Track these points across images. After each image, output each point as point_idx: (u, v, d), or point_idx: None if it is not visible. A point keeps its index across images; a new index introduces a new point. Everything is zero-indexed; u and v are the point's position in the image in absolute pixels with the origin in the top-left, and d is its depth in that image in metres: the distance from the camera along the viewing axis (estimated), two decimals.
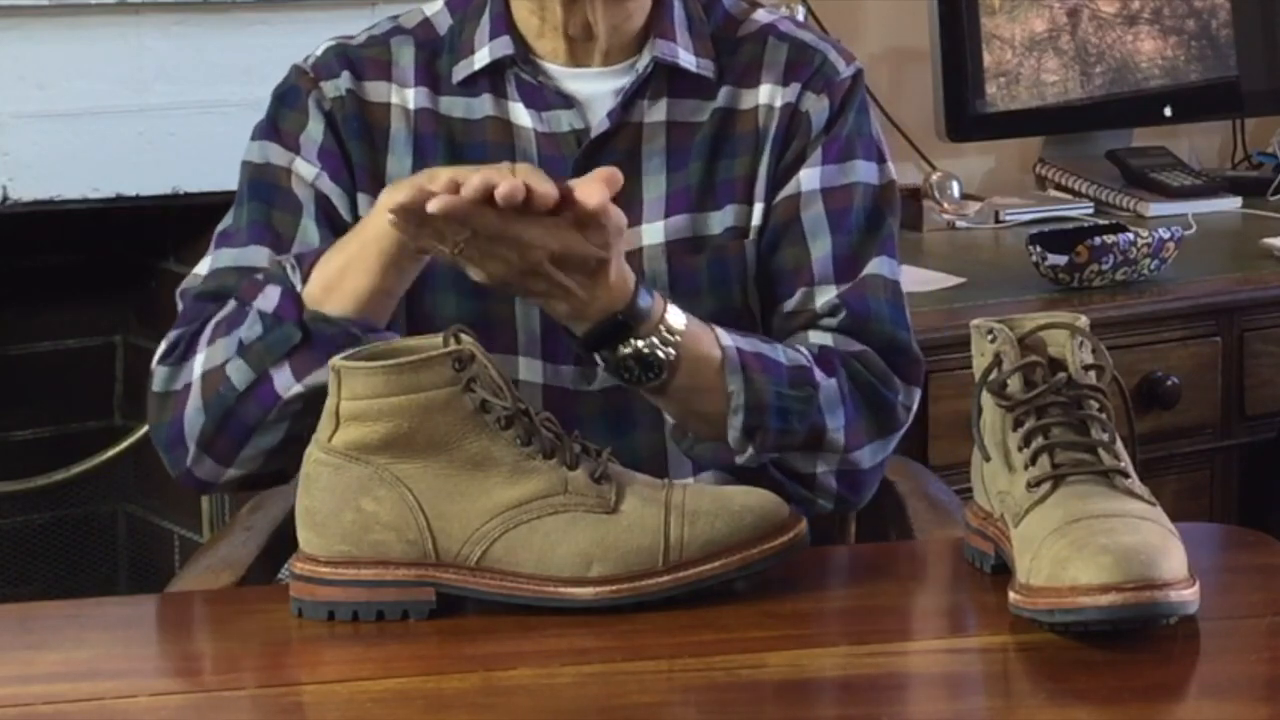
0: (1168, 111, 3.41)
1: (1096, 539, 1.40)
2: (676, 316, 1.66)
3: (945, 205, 3.19)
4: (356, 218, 1.80)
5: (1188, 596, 1.40)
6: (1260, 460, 2.78)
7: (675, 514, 1.49)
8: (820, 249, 1.80)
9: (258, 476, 1.75)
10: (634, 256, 1.74)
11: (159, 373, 1.74)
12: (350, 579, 1.48)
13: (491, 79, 1.82)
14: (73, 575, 3.17)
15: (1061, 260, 2.70)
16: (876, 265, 1.81)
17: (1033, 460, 1.48)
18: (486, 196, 1.52)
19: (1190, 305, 2.73)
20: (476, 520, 1.47)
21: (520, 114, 1.82)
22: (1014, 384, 1.51)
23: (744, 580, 1.50)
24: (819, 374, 1.73)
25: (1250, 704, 1.36)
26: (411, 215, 1.54)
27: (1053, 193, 3.36)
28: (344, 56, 1.84)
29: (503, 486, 1.48)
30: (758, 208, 1.82)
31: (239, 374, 1.69)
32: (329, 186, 1.80)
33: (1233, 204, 3.33)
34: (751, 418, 1.70)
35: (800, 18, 3.06)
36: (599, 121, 1.81)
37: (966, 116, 3.24)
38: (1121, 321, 2.66)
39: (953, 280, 2.76)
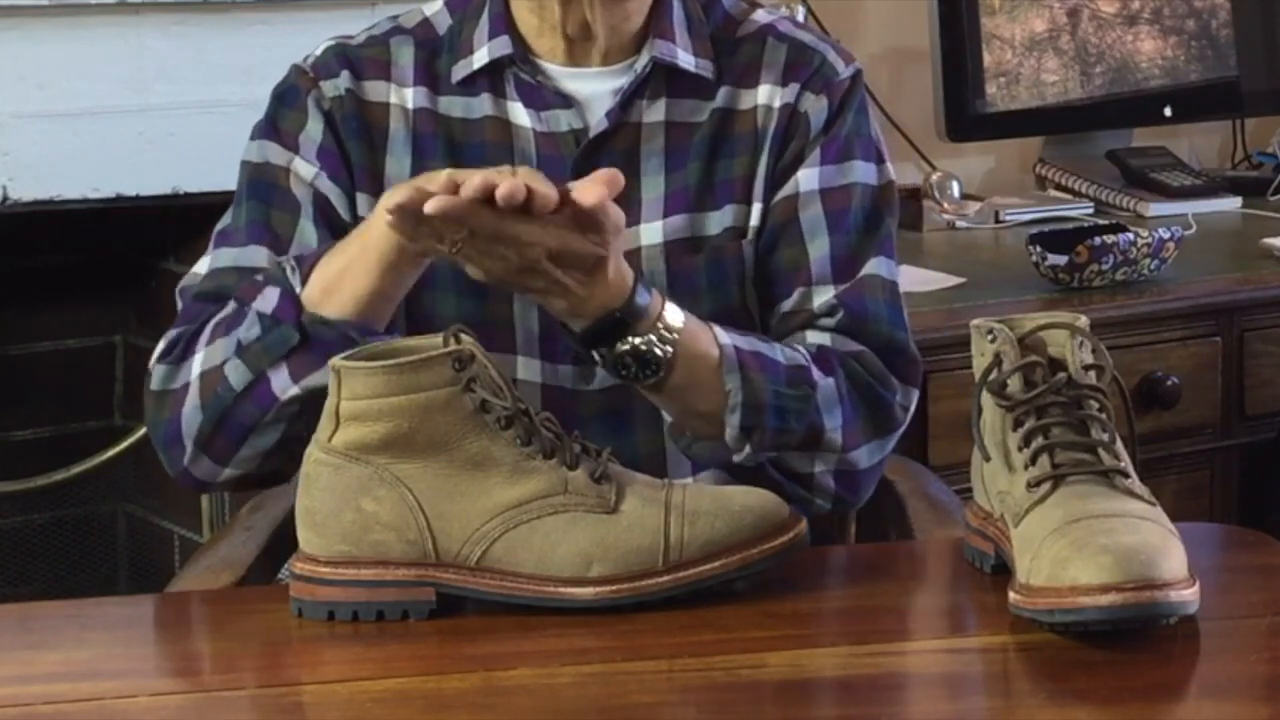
0: (1168, 111, 3.41)
1: (1096, 539, 1.40)
2: (674, 314, 1.67)
3: (945, 205, 3.19)
4: (355, 217, 1.80)
5: (1188, 596, 1.40)
6: (1260, 460, 2.78)
7: (675, 514, 1.49)
8: (818, 249, 1.80)
9: (255, 476, 1.75)
10: (632, 256, 1.74)
11: (157, 371, 1.74)
12: (350, 579, 1.48)
13: (490, 79, 1.82)
14: (73, 575, 3.17)
15: (1061, 260, 2.70)
16: (874, 265, 1.81)
17: (1033, 460, 1.48)
18: (486, 197, 1.52)
19: (1190, 305, 2.72)
20: (476, 520, 1.47)
21: (519, 114, 1.82)
22: (1014, 384, 1.51)
23: (744, 580, 1.50)
24: (817, 373, 1.73)
25: (1250, 704, 1.36)
26: (409, 216, 1.54)
27: (1053, 193, 3.36)
28: (343, 56, 1.84)
29: (503, 486, 1.48)
30: (756, 208, 1.82)
31: (237, 374, 1.69)
32: (328, 186, 1.80)
33: (1233, 204, 3.33)
34: (749, 416, 1.70)
35: (800, 18, 3.06)
36: (597, 121, 1.81)
37: (966, 116, 3.24)
38: (1121, 321, 2.66)
39: (953, 280, 2.76)
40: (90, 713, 1.35)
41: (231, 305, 1.72)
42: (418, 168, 1.80)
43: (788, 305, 1.80)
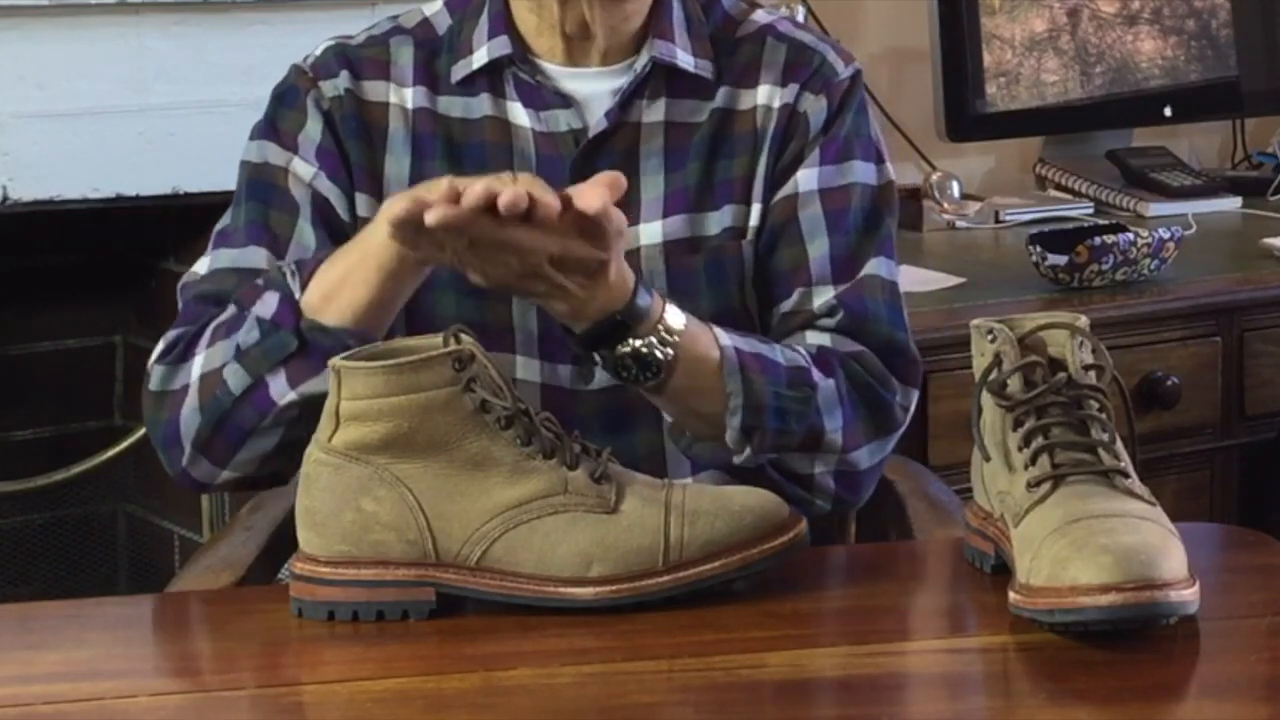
0: (1168, 111, 3.41)
1: (1096, 539, 1.40)
2: (675, 316, 1.66)
3: (945, 205, 3.19)
4: (354, 217, 1.80)
5: (1188, 596, 1.40)
6: (1260, 460, 2.78)
7: (675, 514, 1.49)
8: (818, 249, 1.80)
9: (255, 478, 1.75)
10: (631, 257, 1.74)
11: (156, 372, 1.74)
12: (350, 579, 1.48)
13: (490, 78, 1.82)
14: (73, 575, 3.17)
15: (1061, 260, 2.70)
16: (874, 266, 1.81)
17: (1033, 460, 1.48)
18: (487, 206, 1.52)
19: (1190, 305, 2.72)
20: (476, 520, 1.47)
21: (518, 113, 1.82)
22: (1014, 384, 1.51)
23: (744, 580, 1.50)
24: (817, 375, 1.73)
25: (1250, 704, 1.36)
26: (411, 226, 1.54)
27: (1053, 193, 3.36)
28: (343, 56, 1.84)
29: (503, 486, 1.48)
30: (755, 208, 1.82)
31: (235, 378, 1.69)
32: (326, 186, 1.80)
33: (1233, 204, 3.33)
34: (749, 418, 1.70)
35: (800, 18, 3.06)
36: (597, 121, 1.81)
37: (966, 116, 3.24)
38: (1121, 321, 2.66)
39: (953, 280, 2.76)
40: (90, 713, 1.35)
41: (232, 308, 1.72)
42: (417, 167, 1.80)
43: (787, 305, 1.80)
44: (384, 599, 1.48)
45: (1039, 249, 2.72)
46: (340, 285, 1.65)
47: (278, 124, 1.83)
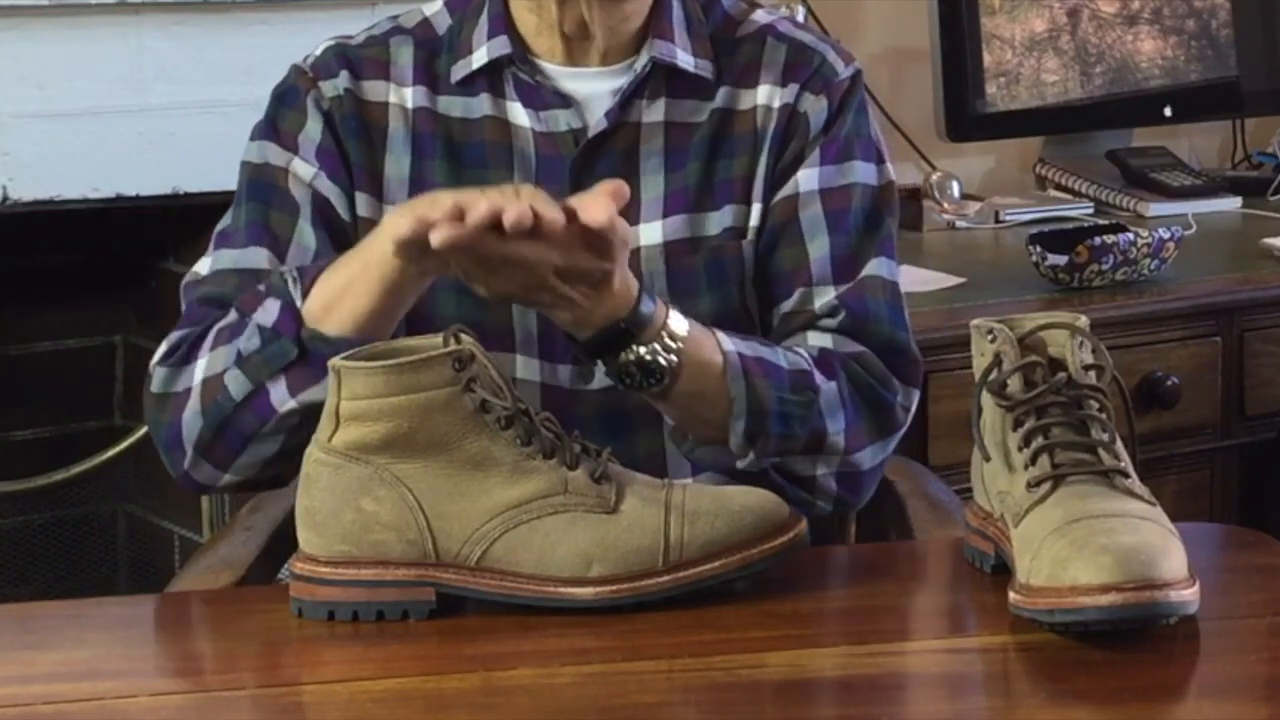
0: (1168, 111, 3.41)
1: (1096, 539, 1.40)
2: (679, 322, 1.66)
3: (945, 205, 3.19)
4: (355, 217, 1.80)
5: (1188, 596, 1.40)
6: (1260, 460, 2.78)
7: (675, 514, 1.49)
8: (818, 249, 1.80)
9: (256, 481, 1.75)
10: (631, 257, 1.73)
11: (158, 374, 1.74)
12: (350, 579, 1.48)
13: (490, 78, 1.82)
14: (73, 575, 3.17)
15: (1061, 260, 2.70)
16: (875, 266, 1.81)
17: (1033, 460, 1.48)
18: (492, 224, 1.52)
19: (1190, 305, 2.73)
20: (476, 520, 1.47)
21: (518, 113, 1.82)
22: (1014, 384, 1.51)
23: (744, 580, 1.50)
24: (819, 378, 1.73)
25: (1250, 704, 1.36)
26: (415, 245, 1.54)
27: (1053, 193, 3.36)
28: (343, 56, 1.84)
29: (503, 486, 1.48)
30: (755, 208, 1.82)
31: (236, 384, 1.69)
32: (327, 186, 1.80)
33: (1233, 204, 3.33)
34: (753, 423, 1.70)
35: (800, 18, 3.06)
36: (596, 121, 1.81)
37: (966, 116, 3.24)
38: (1121, 321, 2.66)
39: (953, 280, 2.76)
40: (90, 713, 1.35)
41: (234, 314, 1.71)
42: (417, 167, 1.80)
43: (788, 306, 1.80)
44: (384, 599, 1.48)
45: (1039, 249, 2.72)
46: (342, 295, 1.65)
47: (278, 124, 1.83)
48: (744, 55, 1.84)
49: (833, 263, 1.80)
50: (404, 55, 1.84)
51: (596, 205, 1.55)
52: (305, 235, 1.78)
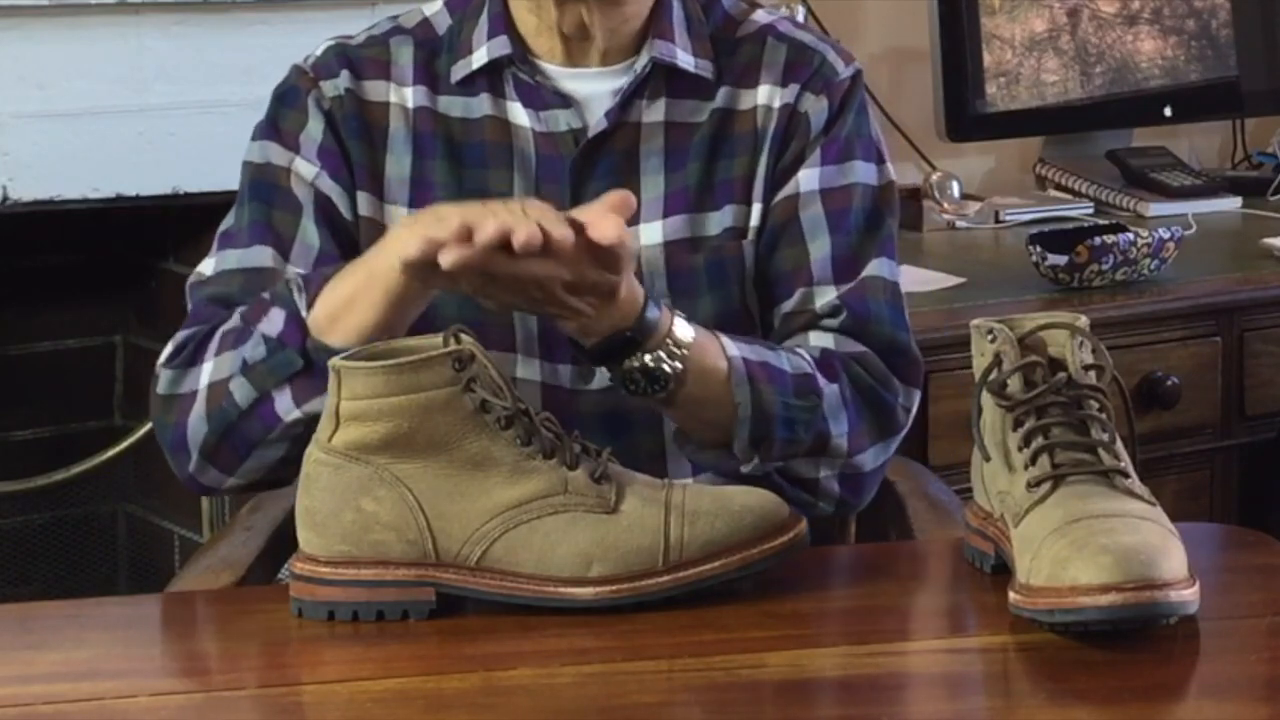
0: (1168, 111, 3.41)
1: (1096, 539, 1.40)
2: (684, 329, 1.66)
3: (945, 205, 3.19)
4: (357, 216, 1.80)
5: (1188, 596, 1.40)
6: (1260, 460, 2.78)
7: (675, 514, 1.49)
8: (819, 250, 1.80)
9: (261, 483, 1.75)
10: None
11: (164, 375, 1.74)
12: (350, 579, 1.48)
13: (489, 78, 1.82)
14: (73, 575, 3.16)
15: (1061, 260, 2.70)
16: (876, 266, 1.81)
17: (1033, 460, 1.48)
18: (501, 244, 1.52)
19: (1190, 305, 2.73)
20: (476, 520, 1.47)
21: (518, 113, 1.82)
22: (1014, 384, 1.51)
23: (744, 580, 1.50)
24: (822, 381, 1.73)
25: (1250, 704, 1.36)
26: (423, 265, 1.54)
27: (1053, 193, 3.36)
28: (343, 56, 1.84)
29: (503, 486, 1.48)
30: (756, 208, 1.82)
31: (241, 391, 1.69)
32: (329, 185, 1.80)
33: (1233, 204, 3.33)
34: (758, 428, 1.70)
35: (800, 18, 3.06)
36: (597, 121, 1.81)
37: (966, 116, 3.24)
38: (1121, 321, 2.66)
39: (953, 280, 2.76)
40: (90, 713, 1.35)
41: (238, 319, 1.71)
42: (418, 167, 1.80)
43: (789, 306, 1.80)
44: (384, 599, 1.48)
45: (1039, 249, 2.72)
46: (347, 307, 1.65)
47: (279, 124, 1.83)
48: (744, 55, 1.84)
49: (833, 263, 1.80)
50: (404, 55, 1.84)
51: (606, 222, 1.55)
52: (309, 233, 1.78)
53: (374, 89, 1.83)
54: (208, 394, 1.71)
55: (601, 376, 1.73)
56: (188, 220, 2.92)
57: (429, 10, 1.88)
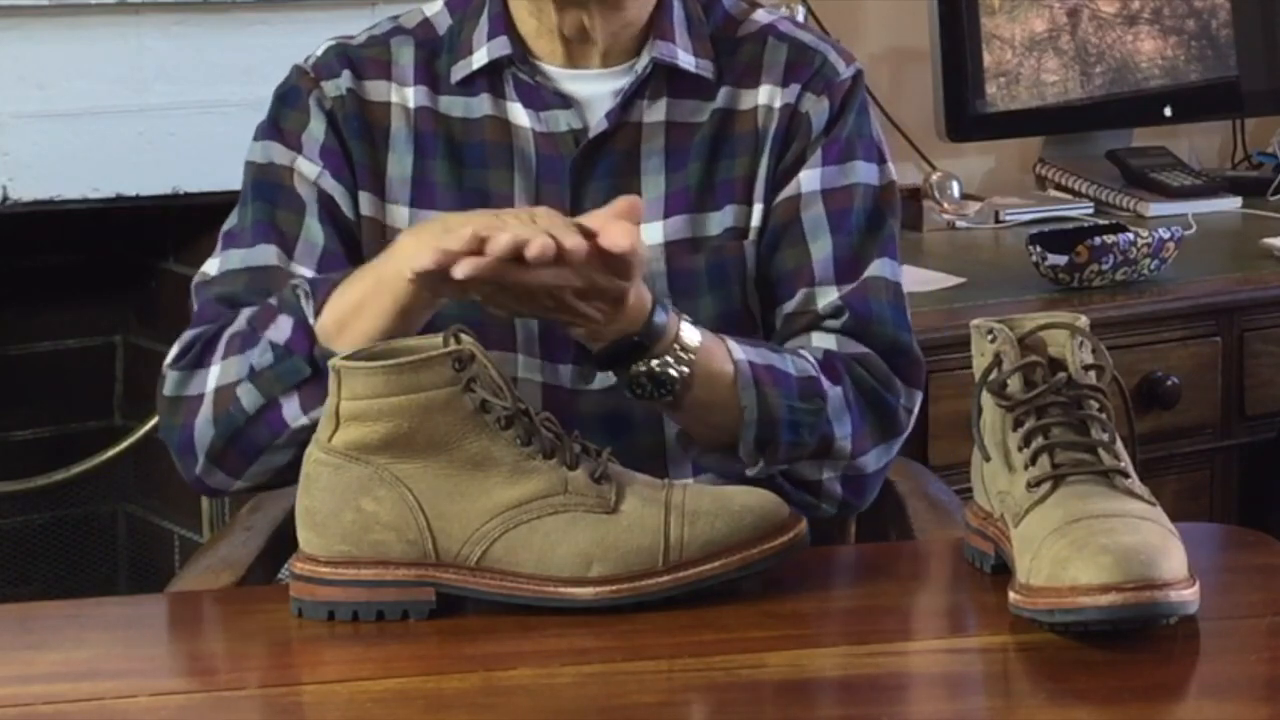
0: (1168, 111, 3.41)
1: (1096, 539, 1.40)
2: (690, 333, 1.66)
3: (945, 205, 3.19)
4: (359, 215, 1.80)
5: (1188, 596, 1.40)
6: (1260, 460, 2.78)
7: (675, 514, 1.49)
8: (821, 250, 1.80)
9: (269, 486, 1.75)
10: None
11: (171, 377, 1.74)
12: (350, 579, 1.48)
13: (490, 79, 1.82)
14: (73, 575, 3.16)
15: (1061, 260, 2.70)
16: (878, 267, 1.81)
17: (1033, 460, 1.48)
18: (514, 255, 1.52)
19: (1190, 305, 2.73)
20: (476, 520, 1.47)
21: (518, 114, 1.82)
22: (1014, 384, 1.51)
23: (744, 580, 1.50)
24: (826, 383, 1.73)
25: (1250, 704, 1.36)
26: (435, 276, 1.54)
27: (1053, 193, 3.36)
28: (344, 56, 1.84)
29: (503, 486, 1.48)
30: (757, 209, 1.82)
31: (249, 397, 1.69)
32: (331, 185, 1.80)
33: (1233, 204, 3.33)
34: (764, 432, 1.70)
35: (800, 18, 3.06)
36: (597, 122, 1.81)
37: (966, 116, 3.24)
38: (1121, 321, 2.66)
39: (953, 280, 2.76)
40: (90, 713, 1.35)
41: (245, 323, 1.71)
42: (419, 166, 1.80)
43: (790, 306, 1.80)
44: (384, 599, 1.48)
45: (1039, 249, 2.72)
46: (355, 314, 1.65)
47: (281, 124, 1.83)
48: (745, 55, 1.84)
49: (835, 263, 1.80)
50: (405, 55, 1.84)
51: (617, 229, 1.55)
52: (312, 232, 1.78)
53: (375, 89, 1.83)
54: (215, 398, 1.71)
55: (602, 377, 1.73)
56: (188, 220, 2.92)
57: (429, 10, 1.88)
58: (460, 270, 1.51)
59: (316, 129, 1.81)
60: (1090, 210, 3.26)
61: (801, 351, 1.76)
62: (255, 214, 1.80)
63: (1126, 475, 1.47)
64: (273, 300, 1.71)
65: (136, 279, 3.13)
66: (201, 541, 2.94)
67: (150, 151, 2.78)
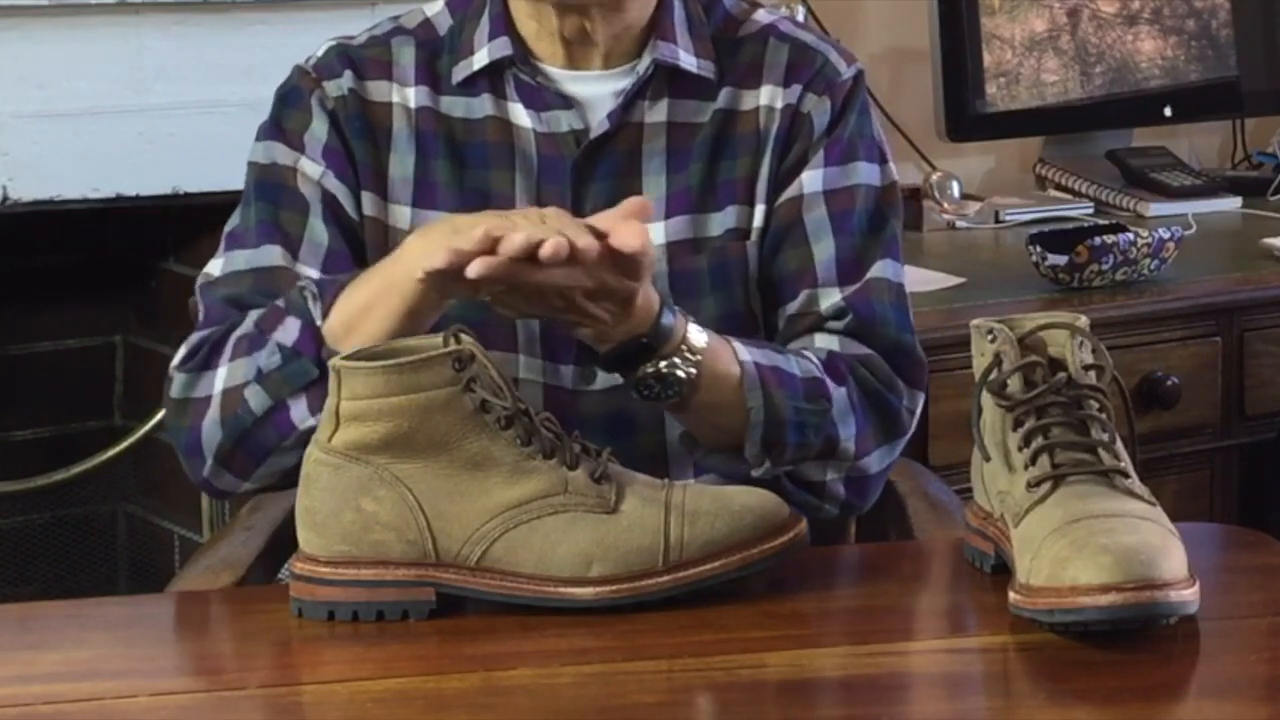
0: (1168, 111, 3.40)
1: (1096, 539, 1.40)
2: (697, 335, 1.66)
3: (945, 205, 3.19)
4: (362, 215, 1.80)
5: (1188, 596, 1.40)
6: (1260, 460, 2.78)
7: (675, 514, 1.49)
8: (823, 251, 1.80)
9: (276, 488, 1.75)
10: None
11: (178, 379, 1.74)
12: (350, 579, 1.48)
13: (491, 79, 1.82)
14: (73, 575, 3.17)
15: (1061, 260, 2.70)
16: (880, 268, 1.81)
17: (1033, 460, 1.48)
18: (527, 255, 1.52)
19: (1190, 305, 2.72)
20: (476, 520, 1.47)
21: (519, 114, 1.81)
22: (1014, 384, 1.51)
23: (744, 580, 1.50)
24: (831, 384, 1.73)
25: (1250, 704, 1.36)
26: (447, 275, 1.54)
27: (1053, 193, 3.36)
28: (345, 56, 1.84)
29: (503, 486, 1.48)
30: (759, 209, 1.82)
31: (256, 399, 1.69)
32: (334, 185, 1.80)
33: (1233, 204, 3.33)
34: (770, 433, 1.70)
35: (800, 18, 3.06)
36: (599, 122, 1.81)
37: (966, 116, 3.24)
38: (1121, 321, 2.66)
39: (953, 280, 2.76)
40: (90, 713, 1.35)
41: (252, 325, 1.71)
42: (421, 166, 1.80)
43: (793, 308, 1.80)
44: (384, 599, 1.48)
45: (1039, 249, 2.72)
46: (363, 316, 1.65)
47: (283, 124, 1.83)
48: (746, 56, 1.84)
49: (838, 265, 1.80)
50: (406, 55, 1.84)
51: (627, 229, 1.55)
52: (317, 232, 1.78)
53: (377, 89, 1.83)
54: (222, 400, 1.70)
55: (604, 378, 1.73)
56: (188, 220, 2.92)
57: (430, 10, 1.88)
58: (473, 270, 1.51)
59: (319, 129, 1.81)
60: (1090, 210, 3.26)
61: (805, 353, 1.76)
62: (259, 214, 1.80)
63: (1126, 475, 1.47)
64: (280, 302, 1.71)
65: (136, 279, 3.13)
66: (201, 541, 2.94)
67: (150, 151, 2.78)
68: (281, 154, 1.81)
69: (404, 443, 1.47)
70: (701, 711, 1.36)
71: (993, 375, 1.52)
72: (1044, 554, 1.41)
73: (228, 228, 1.82)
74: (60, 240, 3.05)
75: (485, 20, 1.83)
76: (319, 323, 1.67)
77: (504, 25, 1.82)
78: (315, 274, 1.75)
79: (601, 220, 1.58)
